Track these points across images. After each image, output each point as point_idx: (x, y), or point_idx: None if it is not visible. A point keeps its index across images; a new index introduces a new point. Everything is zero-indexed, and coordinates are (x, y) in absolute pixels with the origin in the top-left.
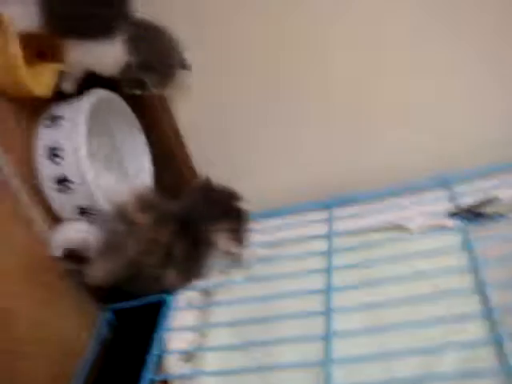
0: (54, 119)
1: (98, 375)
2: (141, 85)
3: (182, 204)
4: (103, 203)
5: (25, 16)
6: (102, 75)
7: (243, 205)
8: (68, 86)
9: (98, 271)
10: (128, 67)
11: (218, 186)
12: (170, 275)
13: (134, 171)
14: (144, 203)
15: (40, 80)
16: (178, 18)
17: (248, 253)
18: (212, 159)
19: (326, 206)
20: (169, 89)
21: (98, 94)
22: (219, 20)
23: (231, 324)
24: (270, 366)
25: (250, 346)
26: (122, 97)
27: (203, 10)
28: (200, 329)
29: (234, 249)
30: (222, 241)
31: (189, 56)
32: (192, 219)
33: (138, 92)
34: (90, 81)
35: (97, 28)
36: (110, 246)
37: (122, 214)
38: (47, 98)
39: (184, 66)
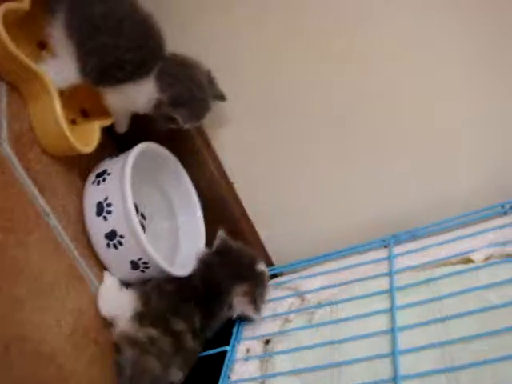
0: (100, 175)
1: None
2: (173, 120)
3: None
4: (154, 255)
5: (62, 72)
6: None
7: (261, 267)
8: (121, 128)
9: None
10: (159, 104)
11: (236, 247)
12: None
13: (185, 225)
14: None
15: (85, 137)
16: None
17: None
18: (262, 203)
19: (385, 243)
20: (202, 122)
21: (141, 146)
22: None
23: (295, 372)
24: None
25: None
26: (166, 147)
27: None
28: (262, 379)
29: (251, 312)
30: (239, 305)
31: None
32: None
33: (173, 126)
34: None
35: (132, 71)
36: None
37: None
38: (92, 155)
39: (220, 97)
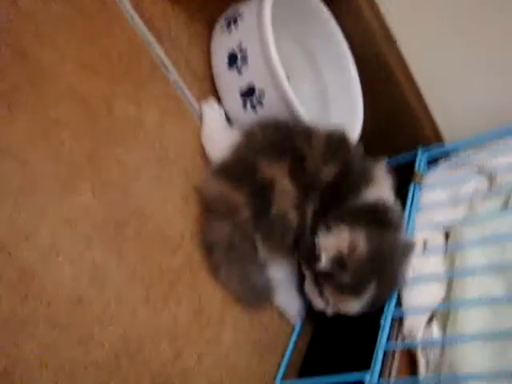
0: (230, 19)
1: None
2: None
3: None
4: (304, 116)
5: None
6: None
7: None
8: None
9: None
10: None
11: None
12: None
13: (335, 88)
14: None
15: None
16: None
17: None
18: (432, 67)
19: None
20: None
21: None
22: None
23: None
24: None
25: None
26: None
27: None
28: (449, 277)
29: None
30: None
31: None
32: None
33: None
34: None
35: None
36: None
37: None
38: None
39: None
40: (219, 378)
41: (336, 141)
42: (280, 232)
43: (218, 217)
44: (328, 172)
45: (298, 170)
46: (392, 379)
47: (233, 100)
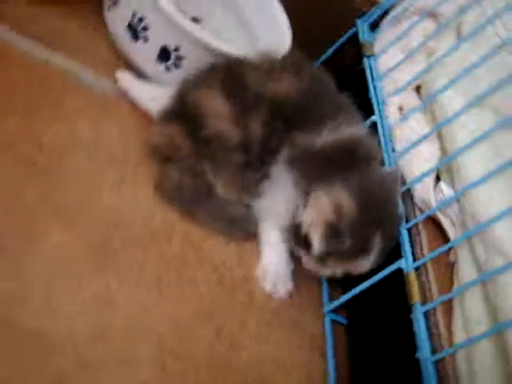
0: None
1: None
2: None
3: None
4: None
5: None
6: None
7: None
8: None
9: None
10: None
11: None
12: None
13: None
14: None
15: None
16: None
17: None
18: None
19: None
20: None
21: None
22: None
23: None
24: None
25: None
26: None
27: None
28: (435, 132)
29: None
30: None
31: None
32: None
33: None
34: None
35: None
36: None
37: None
38: None
39: None
40: (269, 330)
41: (285, 60)
42: (219, 152)
43: (169, 166)
44: (278, 84)
45: (235, 87)
46: (426, 255)
47: (154, 69)
